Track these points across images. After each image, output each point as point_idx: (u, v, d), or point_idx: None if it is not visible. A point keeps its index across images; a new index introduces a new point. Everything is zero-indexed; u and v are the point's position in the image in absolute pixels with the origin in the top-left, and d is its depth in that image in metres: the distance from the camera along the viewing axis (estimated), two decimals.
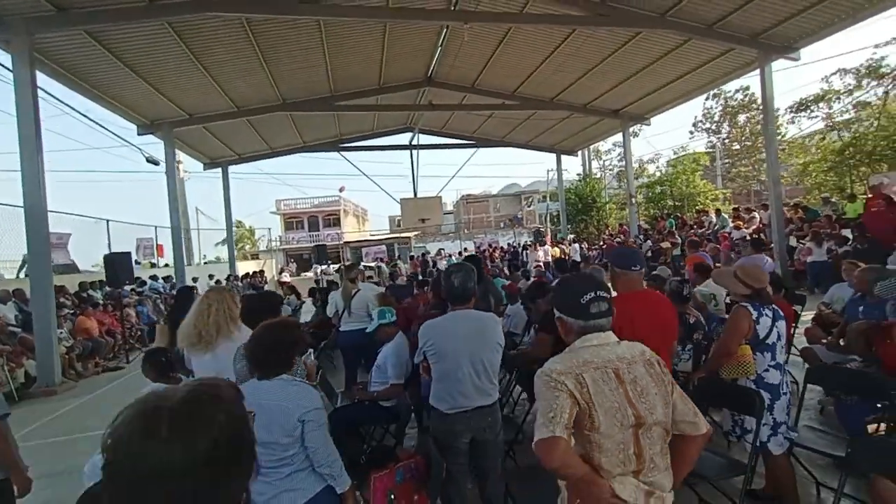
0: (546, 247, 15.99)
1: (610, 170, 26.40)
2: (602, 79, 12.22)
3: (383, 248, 25.98)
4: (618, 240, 14.68)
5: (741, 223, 11.30)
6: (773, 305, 2.49)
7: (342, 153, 17.81)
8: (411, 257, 16.91)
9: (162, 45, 8.28)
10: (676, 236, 12.60)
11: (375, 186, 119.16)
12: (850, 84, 13.81)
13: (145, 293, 11.61)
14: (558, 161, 19.17)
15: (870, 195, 8.98)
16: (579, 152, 19.63)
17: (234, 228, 18.62)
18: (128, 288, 10.41)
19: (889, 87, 12.68)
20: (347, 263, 10.88)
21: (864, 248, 7.54)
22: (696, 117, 28.58)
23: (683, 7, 8.48)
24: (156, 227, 16.16)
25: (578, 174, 20.14)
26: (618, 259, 2.33)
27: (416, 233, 36.21)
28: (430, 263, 14.37)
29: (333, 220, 31.82)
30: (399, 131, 18.32)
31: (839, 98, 14.03)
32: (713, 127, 27.10)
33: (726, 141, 27.28)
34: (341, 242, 30.59)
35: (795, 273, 9.13)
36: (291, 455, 1.63)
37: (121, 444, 0.62)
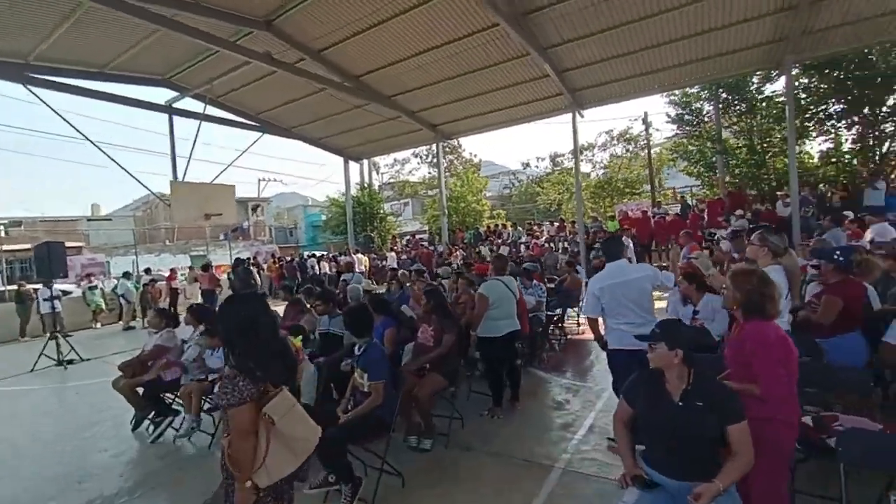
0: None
1: (388, 183, 26.92)
2: (445, 91, 12.63)
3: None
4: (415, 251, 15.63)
5: (535, 234, 14.50)
6: None
7: (29, 87, 10.10)
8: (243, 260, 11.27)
9: None
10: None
11: None
12: (606, 140, 20.54)
13: None
14: (346, 165, 18.02)
15: (619, 216, 13.61)
16: (365, 161, 19.16)
17: None
18: None
19: (633, 149, 19.94)
20: None
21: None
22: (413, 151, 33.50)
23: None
24: None
25: (357, 183, 19.49)
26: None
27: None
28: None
29: None
30: (145, 82, 12.18)
31: (601, 148, 20.62)
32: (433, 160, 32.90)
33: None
34: None
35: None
36: None
37: None
